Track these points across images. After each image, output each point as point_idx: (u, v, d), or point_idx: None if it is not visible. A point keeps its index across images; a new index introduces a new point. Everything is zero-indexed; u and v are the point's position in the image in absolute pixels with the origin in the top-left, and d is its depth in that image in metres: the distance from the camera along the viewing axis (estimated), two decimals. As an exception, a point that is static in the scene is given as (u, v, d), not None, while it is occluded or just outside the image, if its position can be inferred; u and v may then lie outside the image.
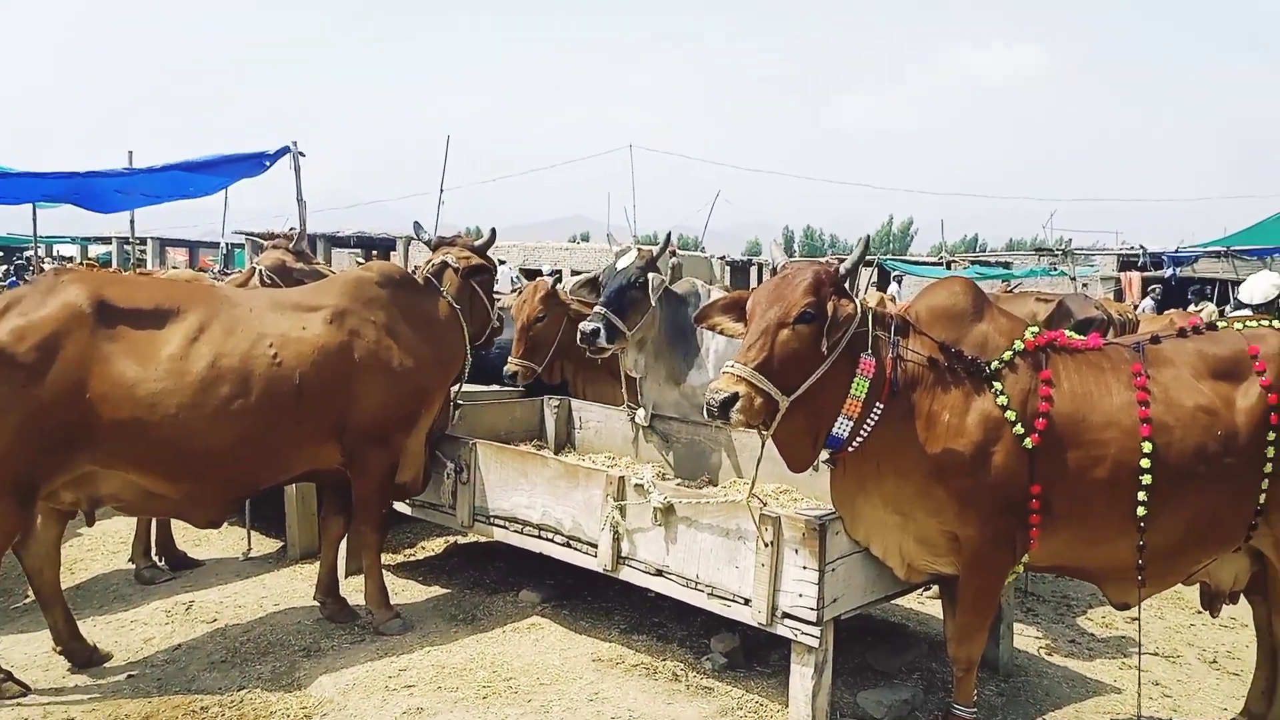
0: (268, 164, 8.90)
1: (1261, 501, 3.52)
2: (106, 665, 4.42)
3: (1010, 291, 13.19)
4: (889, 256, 35.41)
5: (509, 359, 6.12)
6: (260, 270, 5.95)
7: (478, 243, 5.31)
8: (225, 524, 6.08)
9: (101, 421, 4.04)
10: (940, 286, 3.77)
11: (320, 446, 4.57)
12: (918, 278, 21.95)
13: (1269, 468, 3.48)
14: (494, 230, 5.52)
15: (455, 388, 5.31)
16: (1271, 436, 3.45)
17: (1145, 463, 3.32)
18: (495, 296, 5.48)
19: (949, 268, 24.89)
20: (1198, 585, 3.97)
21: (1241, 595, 3.93)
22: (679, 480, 5.22)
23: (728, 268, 30.43)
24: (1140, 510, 3.35)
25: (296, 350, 4.39)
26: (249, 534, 6.13)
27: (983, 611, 3.63)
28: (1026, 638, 5.03)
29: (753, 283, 27.00)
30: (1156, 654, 4.94)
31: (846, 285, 3.46)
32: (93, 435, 4.05)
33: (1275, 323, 3.74)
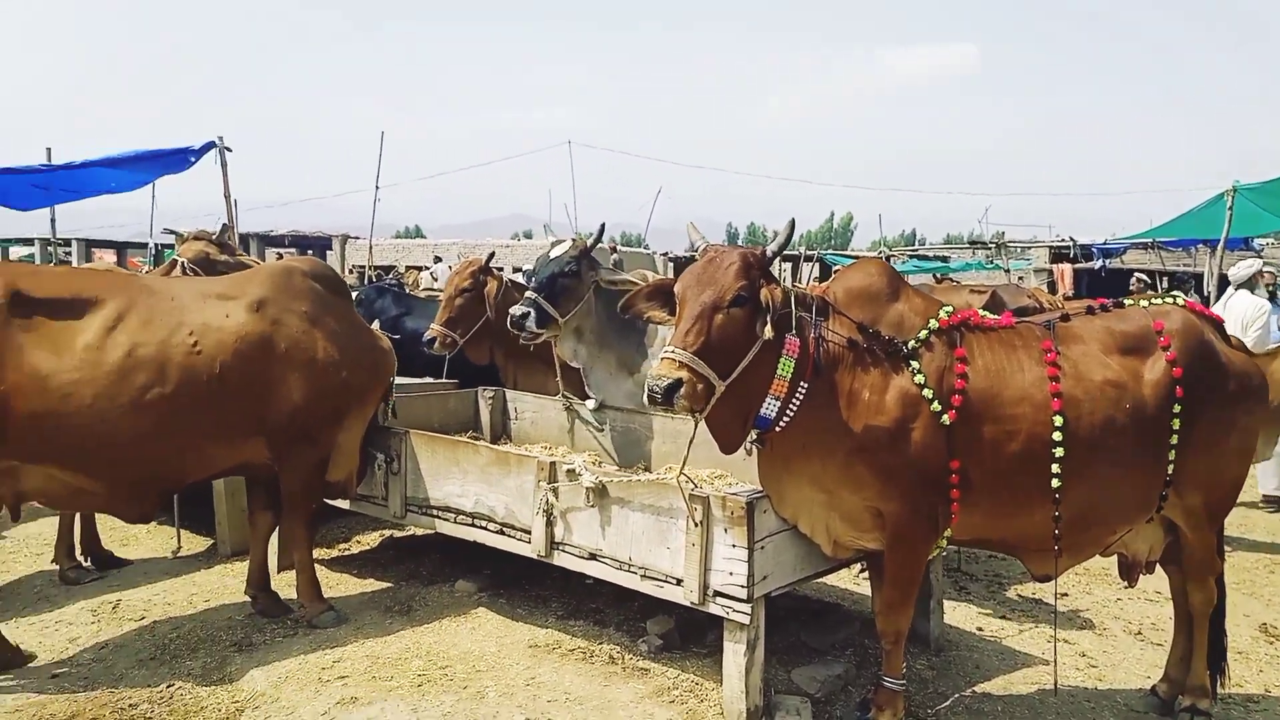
0: (193, 160, 8.76)
1: (1170, 472, 3.65)
2: (30, 666, 4.33)
3: (943, 284, 13.43)
4: (831, 251, 35.83)
5: (431, 325, 6.09)
6: (182, 262, 5.85)
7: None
8: (154, 523, 6.02)
9: (16, 414, 3.95)
10: (856, 268, 3.85)
11: (245, 440, 4.51)
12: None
13: (1175, 439, 3.61)
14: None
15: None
16: (1177, 409, 3.58)
17: (1057, 435, 3.42)
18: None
19: (888, 261, 25.24)
20: (1115, 557, 4.11)
21: (1158, 566, 4.07)
22: (614, 468, 5.25)
23: (671, 263, 30.52)
24: (1054, 482, 3.45)
25: (217, 339, 4.32)
26: (178, 532, 6.06)
27: (907, 585, 3.70)
28: (958, 615, 5.15)
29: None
30: (1084, 628, 5.08)
31: (772, 268, 3.51)
32: (6, 430, 3.96)
33: (1180, 299, 3.88)
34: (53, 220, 11.31)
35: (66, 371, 4.01)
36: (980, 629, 5.02)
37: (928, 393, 3.41)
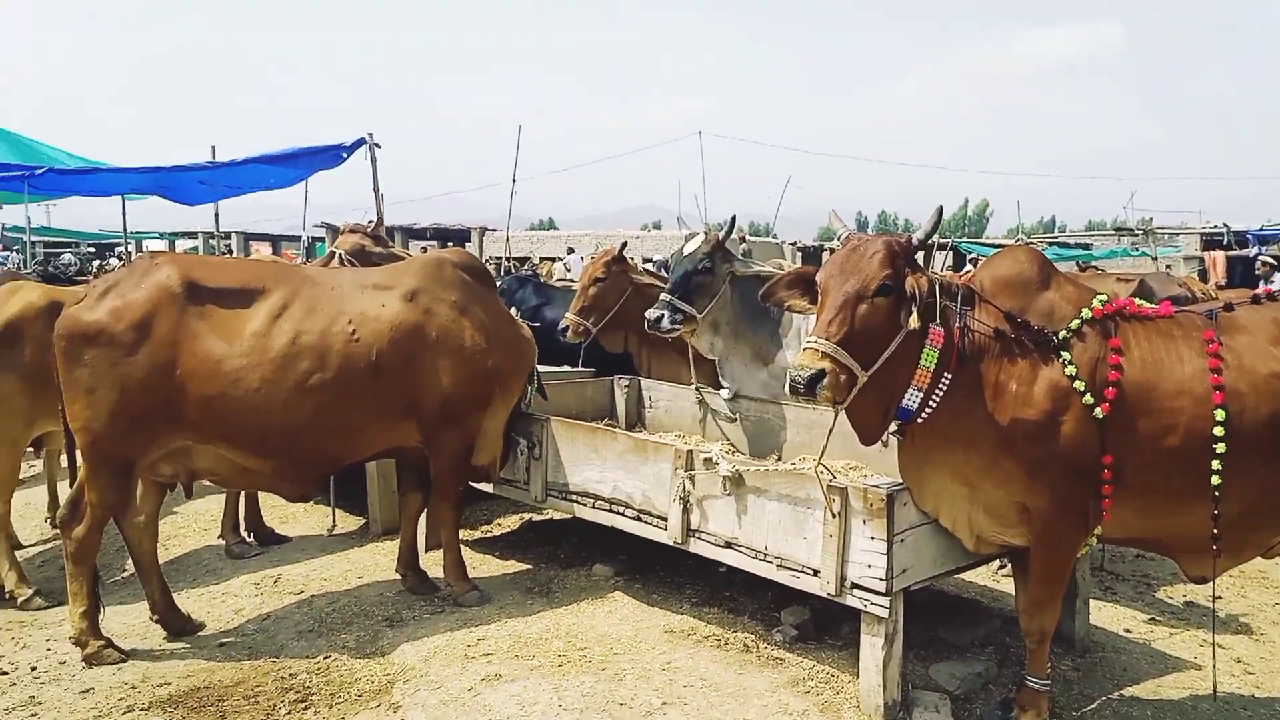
0: (344, 155, 9.16)
1: None
2: (200, 634, 4.63)
3: (1087, 272, 12.88)
4: (964, 239, 34.72)
5: (565, 314, 6.24)
6: (340, 254, 6.14)
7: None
8: (311, 502, 6.35)
9: (191, 397, 4.24)
10: (1005, 255, 3.74)
11: (398, 424, 4.71)
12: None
13: None
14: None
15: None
16: None
17: (1219, 430, 3.26)
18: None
19: (1032, 248, 24.34)
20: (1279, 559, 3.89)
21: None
22: (747, 458, 5.27)
23: (800, 253, 30.23)
24: (1214, 479, 3.29)
25: (374, 328, 4.53)
26: (333, 511, 6.37)
27: (1055, 583, 3.60)
28: (1104, 615, 4.97)
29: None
30: (1239, 632, 4.84)
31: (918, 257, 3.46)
32: (184, 410, 4.26)
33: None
34: (216, 215, 12.03)
35: (236, 357, 4.28)
36: (1128, 630, 4.83)
37: (1079, 385, 3.31)
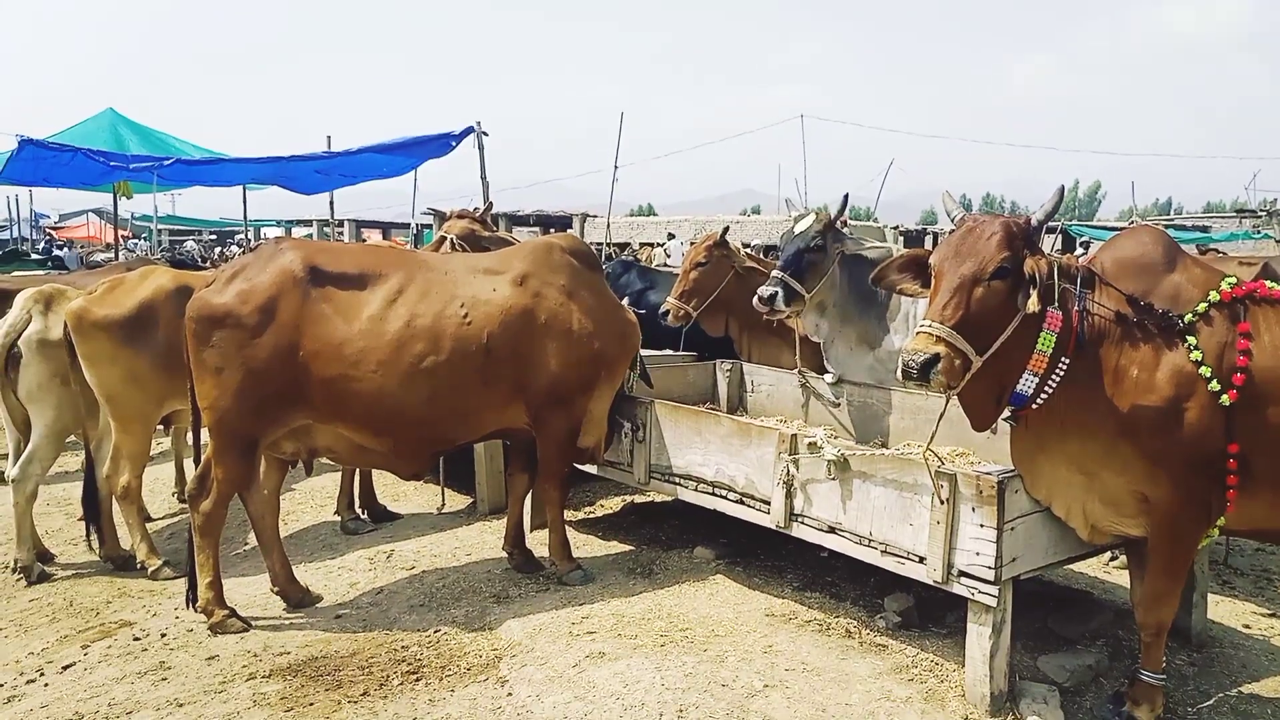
0: (454, 144, 9.36)
1: None
2: (318, 606, 4.83)
3: (1207, 255, 12.30)
4: (1074, 222, 33.52)
5: (667, 298, 6.27)
6: (451, 239, 6.28)
7: None
8: (421, 481, 6.54)
9: (312, 378, 4.41)
10: (1127, 236, 3.63)
11: (507, 405, 4.80)
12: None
13: None
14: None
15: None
16: None
17: None
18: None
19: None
20: None
21: None
22: (851, 443, 5.22)
23: (901, 237, 29.63)
24: (1350, 471, 3.15)
25: (485, 312, 4.63)
26: (443, 490, 6.54)
27: (1174, 576, 3.49)
28: (1222, 610, 4.79)
29: (928, 253, 26.14)
30: (1371, 631, 4.62)
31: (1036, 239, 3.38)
32: (306, 391, 4.43)
33: None
34: (331, 203, 12.42)
35: (356, 339, 4.43)
36: (1247, 626, 4.65)
37: (1205, 370, 3.20)
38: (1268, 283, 3.44)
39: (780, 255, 5.32)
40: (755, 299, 5.20)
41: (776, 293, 5.12)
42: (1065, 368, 3.30)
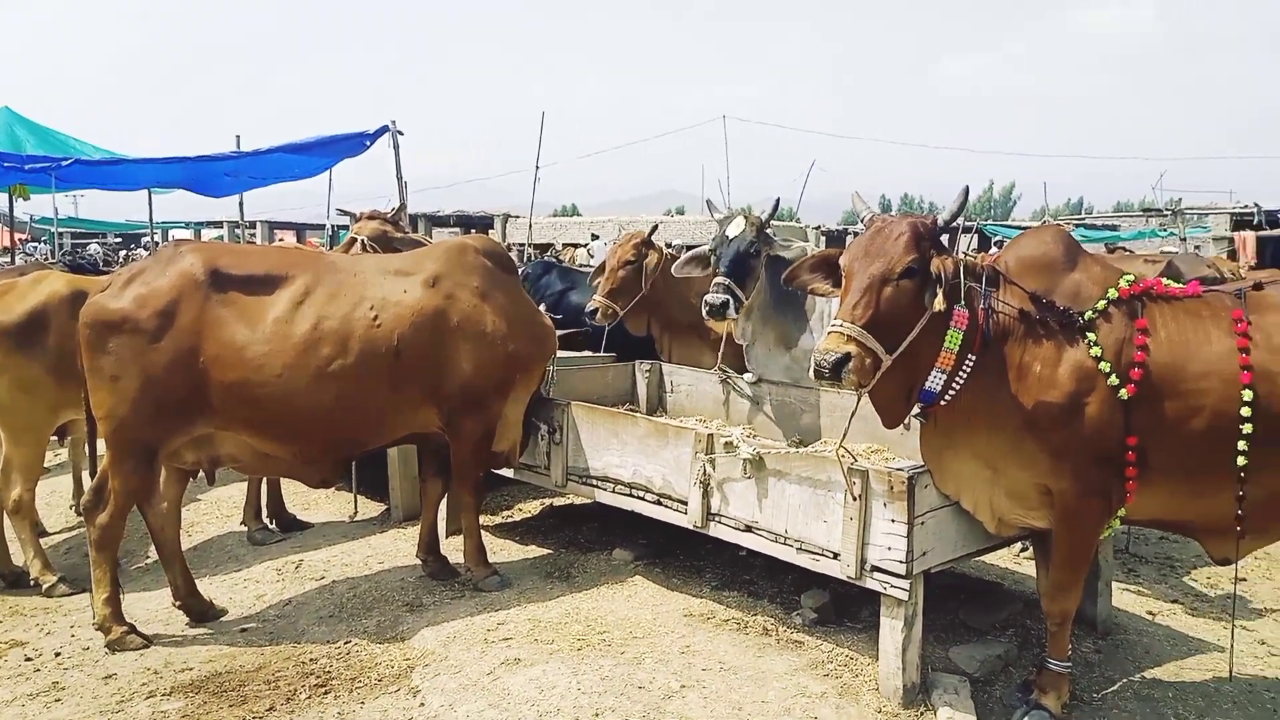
0: (368, 143, 9.20)
1: None
2: (222, 620, 4.67)
3: (1115, 253, 12.72)
4: (990, 222, 34.36)
5: (593, 297, 6.22)
6: (362, 240, 6.15)
7: None
8: (332, 489, 6.39)
9: (214, 384, 4.27)
10: (1030, 236, 3.70)
11: (419, 409, 4.72)
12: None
13: None
14: None
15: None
16: None
17: (1246, 411, 3.22)
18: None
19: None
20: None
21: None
22: (769, 442, 5.24)
23: (824, 237, 30.02)
24: (1240, 460, 3.25)
25: (395, 313, 4.54)
26: (355, 497, 6.41)
27: (1077, 566, 3.57)
28: (1127, 597, 4.94)
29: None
30: (1263, 615, 4.80)
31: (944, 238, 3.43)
32: (207, 397, 4.28)
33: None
34: (241, 204, 12.09)
35: (259, 343, 4.30)
36: (1151, 613, 4.80)
37: (1104, 366, 3.27)
38: (1164, 280, 3.54)
39: (721, 261, 5.27)
40: (705, 308, 5.14)
41: (728, 300, 5.09)
42: (972, 365, 3.36)
